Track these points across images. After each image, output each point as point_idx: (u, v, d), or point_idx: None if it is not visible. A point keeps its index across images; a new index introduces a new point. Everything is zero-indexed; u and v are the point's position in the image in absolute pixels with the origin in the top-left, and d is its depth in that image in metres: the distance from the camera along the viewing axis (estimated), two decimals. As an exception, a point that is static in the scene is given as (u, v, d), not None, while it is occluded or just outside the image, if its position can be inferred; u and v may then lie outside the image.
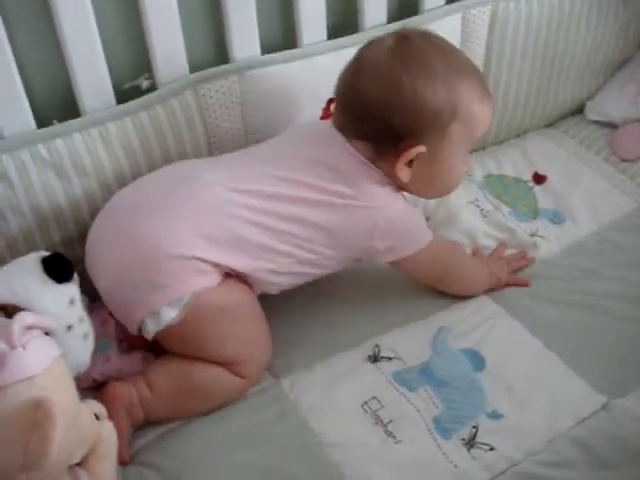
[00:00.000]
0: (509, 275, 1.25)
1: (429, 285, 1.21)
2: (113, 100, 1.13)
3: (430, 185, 1.10)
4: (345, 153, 1.05)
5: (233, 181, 1.03)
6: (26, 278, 0.91)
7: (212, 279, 1.01)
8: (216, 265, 1.01)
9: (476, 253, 1.29)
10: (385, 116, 1.01)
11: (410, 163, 1.04)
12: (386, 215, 1.04)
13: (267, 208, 1.02)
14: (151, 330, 1.01)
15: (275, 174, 1.04)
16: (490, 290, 1.23)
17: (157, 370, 1.05)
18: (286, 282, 1.10)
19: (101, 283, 1.04)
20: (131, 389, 1.02)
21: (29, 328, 0.85)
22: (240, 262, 1.02)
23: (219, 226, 1.01)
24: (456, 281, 1.20)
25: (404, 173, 1.04)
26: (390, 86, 1.01)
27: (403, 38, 1.05)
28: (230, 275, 1.04)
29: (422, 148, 1.02)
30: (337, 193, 1.03)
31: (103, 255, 1.03)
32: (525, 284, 1.24)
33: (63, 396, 0.83)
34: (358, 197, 1.03)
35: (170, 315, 0.99)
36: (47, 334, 0.88)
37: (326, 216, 1.03)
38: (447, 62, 1.03)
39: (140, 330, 1.03)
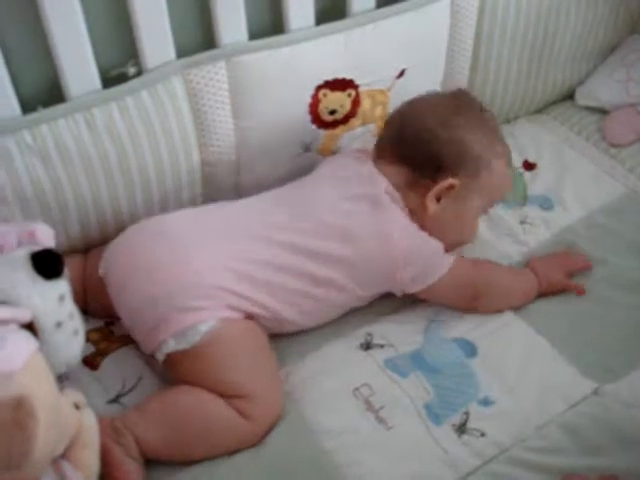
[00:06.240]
0: (564, 278, 1.20)
1: (467, 310, 1.16)
2: (99, 86, 1.11)
3: (448, 228, 1.15)
4: (375, 180, 1.13)
5: (268, 228, 1.10)
6: (14, 275, 0.88)
7: (238, 313, 1.06)
8: (248, 300, 1.06)
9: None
10: (433, 145, 1.12)
11: (439, 199, 1.13)
12: (404, 242, 1.09)
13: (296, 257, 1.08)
14: (172, 349, 1.02)
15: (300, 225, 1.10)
16: (542, 295, 1.20)
17: (145, 417, 0.99)
18: (309, 322, 1.13)
19: (130, 298, 1.06)
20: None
21: (4, 323, 0.82)
22: (273, 302, 1.08)
23: (258, 268, 1.07)
24: (493, 299, 1.16)
25: (432, 205, 1.12)
26: (446, 120, 1.13)
27: (463, 92, 1.22)
28: (251, 317, 1.08)
29: (456, 181, 1.12)
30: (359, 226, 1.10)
31: (141, 272, 1.05)
32: (581, 292, 1.20)
33: (43, 392, 0.80)
34: (379, 225, 1.09)
35: (195, 337, 1.01)
36: (32, 328, 0.86)
37: (349, 251, 1.09)
38: (493, 124, 1.20)
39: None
